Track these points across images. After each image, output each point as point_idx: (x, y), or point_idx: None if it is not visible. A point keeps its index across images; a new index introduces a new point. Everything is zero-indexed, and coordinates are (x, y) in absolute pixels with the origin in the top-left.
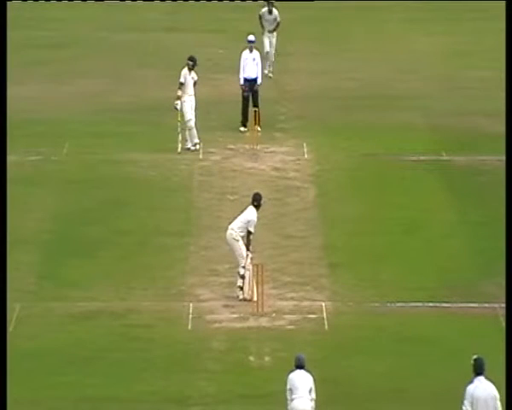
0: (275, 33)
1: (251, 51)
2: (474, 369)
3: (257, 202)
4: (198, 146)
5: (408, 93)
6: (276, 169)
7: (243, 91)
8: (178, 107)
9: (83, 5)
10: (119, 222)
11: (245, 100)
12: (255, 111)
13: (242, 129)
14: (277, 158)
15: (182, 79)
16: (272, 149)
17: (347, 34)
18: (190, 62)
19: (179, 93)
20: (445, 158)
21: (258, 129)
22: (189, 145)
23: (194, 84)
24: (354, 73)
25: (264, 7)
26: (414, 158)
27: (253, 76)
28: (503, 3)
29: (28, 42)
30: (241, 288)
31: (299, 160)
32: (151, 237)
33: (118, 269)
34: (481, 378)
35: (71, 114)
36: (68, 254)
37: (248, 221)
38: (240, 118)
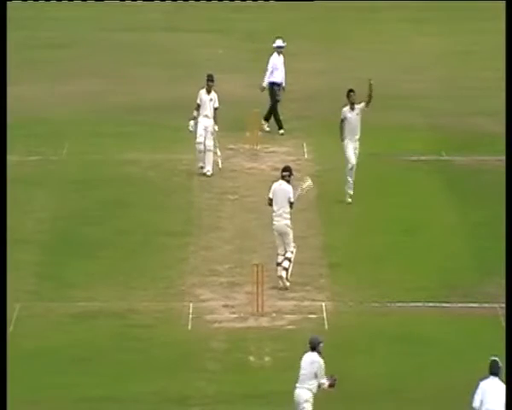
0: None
1: (279, 55)
2: (489, 369)
3: (287, 173)
4: (206, 170)
5: (408, 93)
6: (276, 169)
7: (276, 95)
8: (191, 128)
9: (83, 5)
10: (119, 222)
11: (276, 104)
12: (256, 112)
13: (281, 132)
14: (277, 158)
15: (198, 101)
16: (272, 149)
17: (348, 34)
18: (211, 83)
19: (195, 113)
20: (445, 158)
21: (267, 127)
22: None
23: (215, 109)
24: (354, 72)
25: (345, 106)
26: (414, 158)
27: (280, 80)
28: (503, 3)
29: (28, 42)
30: (286, 269)
31: (299, 160)
32: (151, 237)
33: (118, 269)
34: (494, 379)
35: (71, 114)
36: (68, 254)
37: (288, 196)
38: (276, 124)
